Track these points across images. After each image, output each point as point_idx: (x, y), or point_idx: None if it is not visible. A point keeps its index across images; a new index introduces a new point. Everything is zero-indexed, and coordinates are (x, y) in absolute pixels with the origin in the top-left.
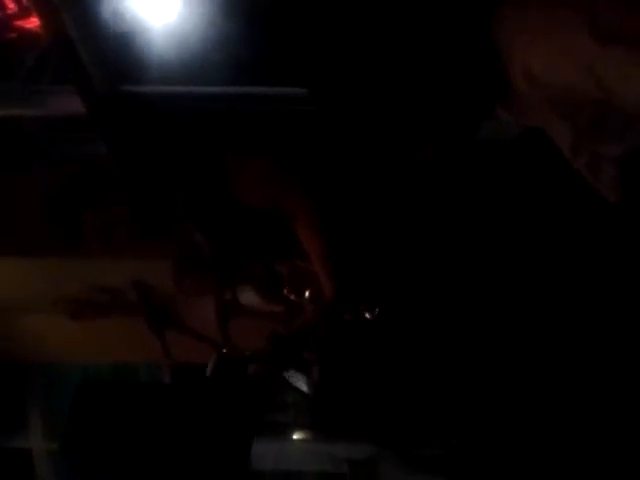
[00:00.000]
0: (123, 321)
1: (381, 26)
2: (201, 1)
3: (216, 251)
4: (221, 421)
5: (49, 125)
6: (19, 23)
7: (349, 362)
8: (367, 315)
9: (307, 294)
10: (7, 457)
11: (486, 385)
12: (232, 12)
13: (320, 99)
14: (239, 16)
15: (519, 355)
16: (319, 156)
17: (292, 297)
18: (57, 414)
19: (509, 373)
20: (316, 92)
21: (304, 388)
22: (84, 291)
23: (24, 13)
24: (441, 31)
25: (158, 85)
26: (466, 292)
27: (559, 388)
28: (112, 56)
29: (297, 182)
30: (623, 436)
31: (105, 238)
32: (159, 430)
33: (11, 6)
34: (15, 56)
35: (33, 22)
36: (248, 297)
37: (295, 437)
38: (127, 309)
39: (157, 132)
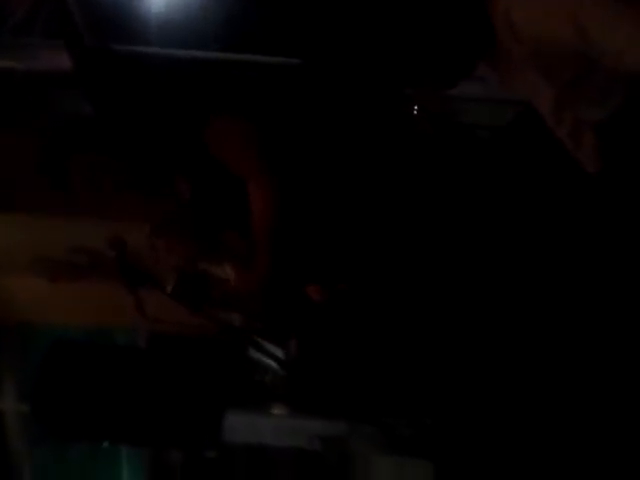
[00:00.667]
0: (101, 284)
1: None
2: None
3: (199, 210)
4: (194, 390)
5: (38, 79)
6: None
7: (325, 340)
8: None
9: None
10: None
11: (460, 367)
12: None
13: (313, 67)
14: None
15: (492, 337)
16: (295, 130)
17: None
18: (31, 376)
19: (483, 355)
20: (309, 60)
21: (280, 359)
22: (63, 252)
23: None
24: None
25: (148, 45)
26: (440, 273)
27: (533, 371)
28: (103, 13)
29: (263, 151)
30: (597, 421)
31: (92, 185)
32: (131, 394)
33: None
34: (5, 8)
35: None
36: (225, 270)
37: (269, 412)
38: (105, 272)
39: (142, 90)
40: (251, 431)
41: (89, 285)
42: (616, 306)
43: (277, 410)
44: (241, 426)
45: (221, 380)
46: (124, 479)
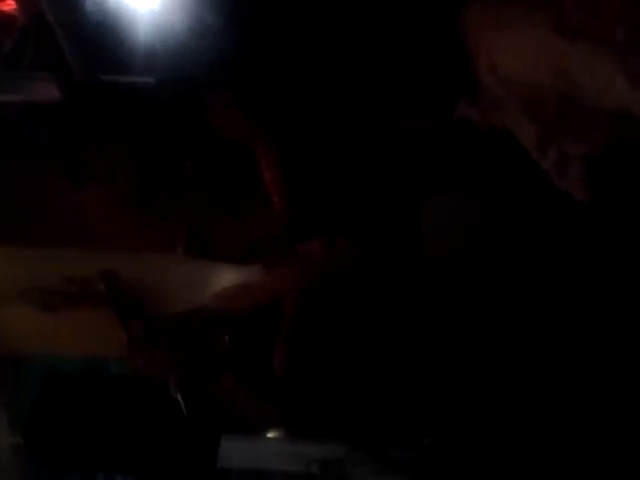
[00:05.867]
0: (93, 313)
1: (351, 20)
2: None
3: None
4: (188, 417)
5: (27, 111)
6: None
7: (319, 361)
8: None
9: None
10: None
11: (459, 386)
12: (214, 3)
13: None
14: (222, 7)
15: (493, 355)
16: (291, 98)
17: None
18: (24, 408)
19: (482, 373)
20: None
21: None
22: (54, 282)
23: None
24: (409, 26)
25: (137, 75)
26: (440, 288)
27: (533, 387)
28: (91, 43)
29: (262, 120)
30: (602, 434)
31: (107, 183)
32: (126, 424)
33: None
34: None
35: (10, 5)
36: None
37: (265, 437)
38: (97, 301)
39: (131, 120)
40: (247, 456)
41: (82, 315)
42: (610, 334)
43: (273, 434)
44: (237, 451)
45: (215, 408)
46: None
